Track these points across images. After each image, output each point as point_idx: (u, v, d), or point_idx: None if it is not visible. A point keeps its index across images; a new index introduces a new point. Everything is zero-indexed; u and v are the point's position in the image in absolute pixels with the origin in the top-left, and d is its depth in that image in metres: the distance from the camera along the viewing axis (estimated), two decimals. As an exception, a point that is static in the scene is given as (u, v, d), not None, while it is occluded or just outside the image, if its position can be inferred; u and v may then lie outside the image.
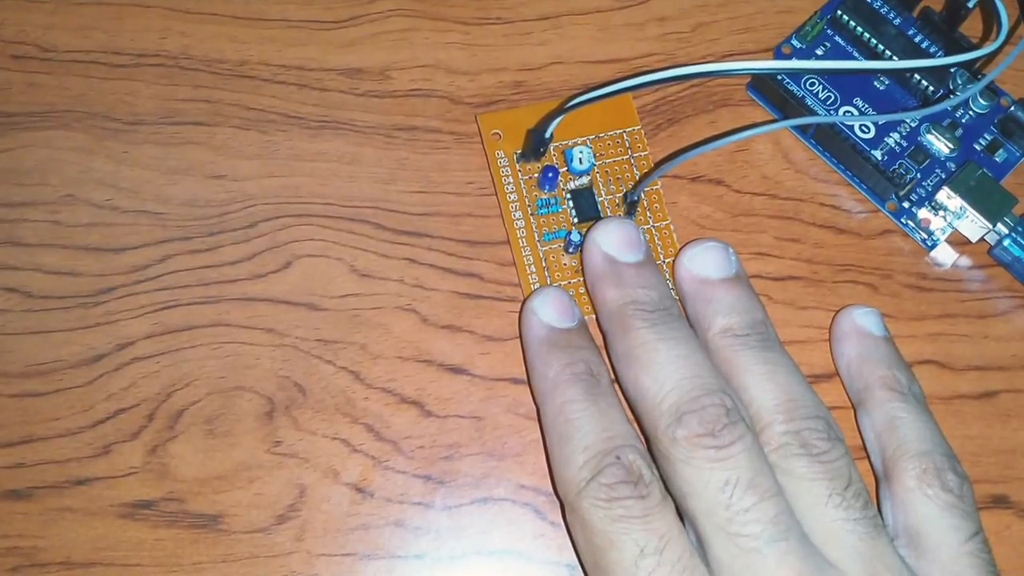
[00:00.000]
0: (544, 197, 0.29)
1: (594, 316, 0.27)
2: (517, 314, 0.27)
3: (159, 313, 0.27)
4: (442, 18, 0.31)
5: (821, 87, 0.30)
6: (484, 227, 0.29)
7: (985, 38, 0.31)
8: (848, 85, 0.30)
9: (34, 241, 0.27)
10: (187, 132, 0.28)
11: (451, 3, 0.31)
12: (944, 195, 0.28)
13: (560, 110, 0.28)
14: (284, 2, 0.30)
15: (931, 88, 0.29)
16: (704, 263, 0.27)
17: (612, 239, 0.27)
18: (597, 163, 0.29)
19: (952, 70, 0.29)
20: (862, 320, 0.27)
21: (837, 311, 0.28)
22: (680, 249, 0.27)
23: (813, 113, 0.29)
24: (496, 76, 0.30)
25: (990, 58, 0.29)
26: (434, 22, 0.31)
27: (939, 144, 0.29)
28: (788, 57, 0.30)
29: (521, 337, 0.27)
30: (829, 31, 0.30)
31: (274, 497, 0.25)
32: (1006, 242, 0.28)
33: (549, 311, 0.26)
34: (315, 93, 0.29)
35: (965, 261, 0.29)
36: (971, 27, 0.30)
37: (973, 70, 0.29)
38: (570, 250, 0.28)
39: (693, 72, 0.25)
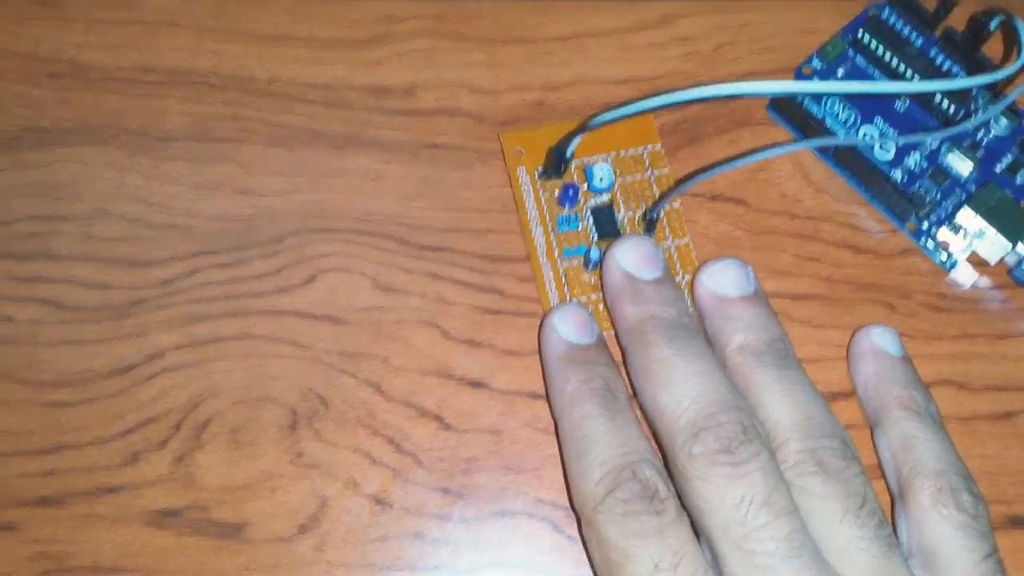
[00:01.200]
0: (565, 214, 0.29)
1: (613, 332, 0.27)
2: (537, 329, 0.28)
3: (187, 325, 0.27)
4: (466, 38, 0.31)
5: (841, 107, 0.30)
6: (505, 243, 0.29)
7: (1007, 58, 0.31)
8: (868, 105, 0.30)
9: (67, 254, 0.28)
10: (216, 148, 0.29)
11: (475, 24, 0.32)
12: (964, 216, 0.28)
13: (581, 129, 0.28)
14: (311, 22, 0.31)
15: (952, 108, 0.29)
16: (723, 281, 0.27)
17: (631, 256, 0.27)
18: (617, 181, 0.29)
19: (974, 91, 0.29)
20: (880, 339, 0.27)
21: (855, 330, 0.28)
22: (699, 267, 0.28)
23: (833, 134, 0.29)
24: (519, 95, 0.31)
25: (1011, 79, 0.29)
26: (458, 42, 0.31)
27: (960, 165, 0.29)
28: (809, 78, 0.30)
29: (540, 352, 0.27)
30: (850, 51, 0.30)
31: (296, 507, 0.26)
32: (1026, 263, 0.28)
33: (568, 327, 0.27)
34: (341, 111, 0.30)
35: (985, 282, 0.29)
36: (993, 47, 0.31)
37: (995, 90, 0.29)
38: (590, 267, 0.28)
39: (714, 93, 0.25)
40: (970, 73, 0.30)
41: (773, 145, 0.29)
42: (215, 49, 0.30)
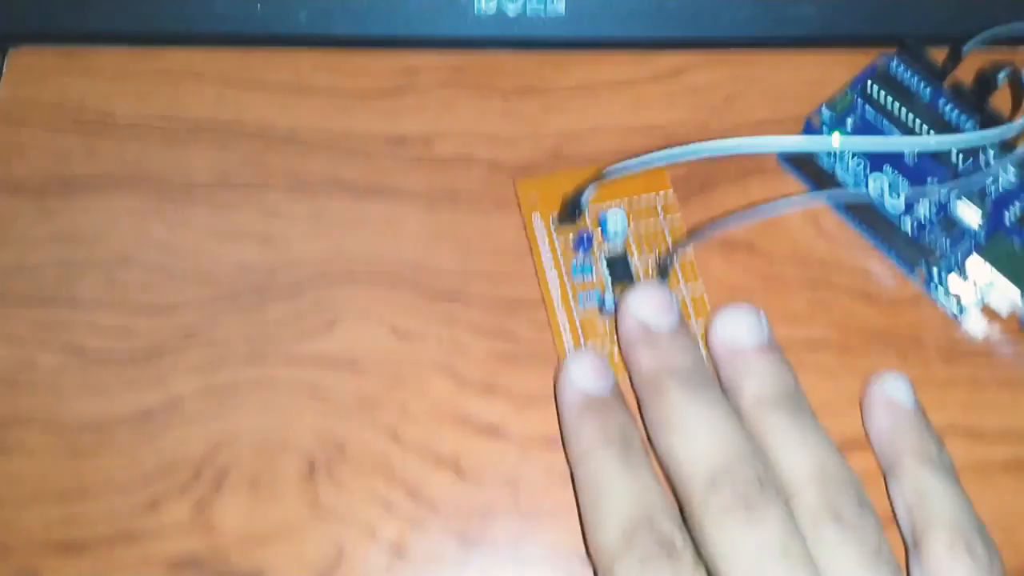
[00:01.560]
0: (579, 261, 0.29)
1: (628, 380, 0.28)
2: (552, 375, 0.28)
3: (208, 372, 0.28)
4: (484, 88, 0.32)
5: (851, 156, 0.30)
6: (521, 289, 0.29)
7: (1015, 109, 0.31)
8: (878, 154, 0.30)
9: (90, 300, 0.28)
10: (238, 196, 0.30)
11: (492, 74, 0.32)
12: (974, 265, 0.29)
13: (595, 179, 0.28)
14: (334, 72, 0.32)
15: (962, 159, 0.30)
16: (736, 329, 0.27)
17: (645, 304, 0.27)
18: (631, 227, 0.30)
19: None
20: (892, 389, 0.27)
21: (868, 379, 0.28)
22: (712, 314, 0.28)
23: (843, 183, 0.30)
24: (535, 143, 0.31)
25: (1022, 132, 0.29)
26: (476, 92, 0.32)
27: (969, 214, 0.29)
28: (818, 128, 0.31)
29: (556, 400, 0.27)
30: (859, 102, 0.31)
31: (314, 555, 0.26)
32: (1037, 312, 0.28)
33: (583, 375, 0.27)
34: (361, 159, 0.31)
35: (996, 330, 0.29)
36: (1001, 98, 0.31)
37: (1004, 142, 0.30)
38: (604, 313, 0.29)
39: (726, 148, 0.26)
40: (979, 124, 0.30)
41: (785, 198, 0.29)
42: (238, 99, 0.31)
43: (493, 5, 0.33)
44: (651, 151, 0.31)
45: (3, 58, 0.31)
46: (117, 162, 0.30)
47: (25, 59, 0.31)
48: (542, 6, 0.33)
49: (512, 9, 0.33)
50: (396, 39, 0.33)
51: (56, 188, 0.29)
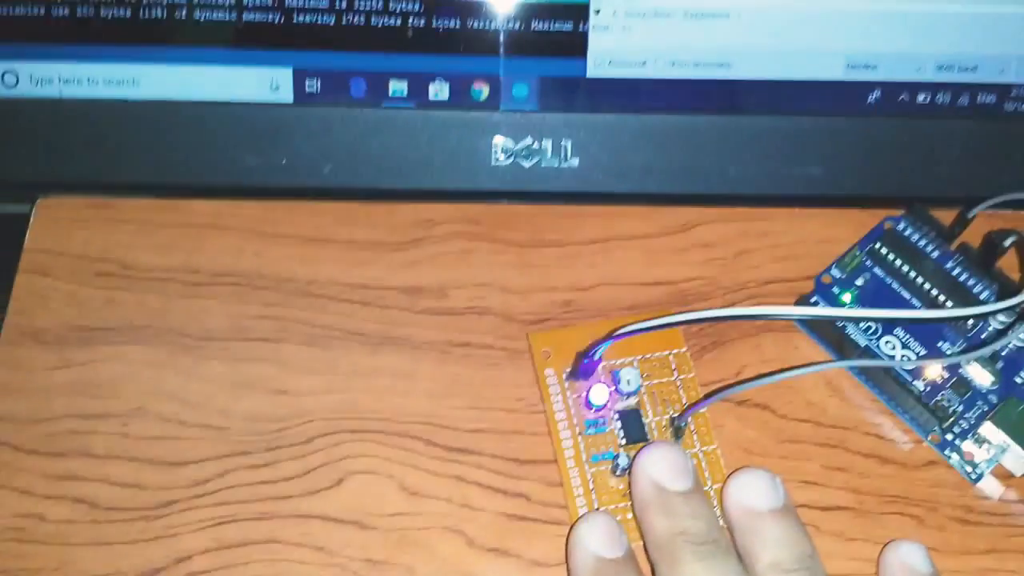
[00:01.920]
0: (592, 417, 0.29)
1: (641, 543, 0.27)
2: (564, 538, 0.28)
3: (216, 528, 0.27)
4: (498, 240, 0.33)
5: (861, 311, 0.31)
6: (532, 445, 0.29)
7: (1023, 271, 0.32)
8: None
9: (103, 453, 0.28)
10: (254, 348, 0.30)
11: (507, 226, 0.33)
12: (988, 429, 0.29)
13: (608, 337, 0.29)
14: (353, 225, 0.32)
15: (972, 322, 0.30)
16: (751, 493, 0.27)
17: (660, 466, 0.27)
18: (644, 384, 0.30)
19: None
20: (908, 556, 0.27)
21: (884, 544, 0.28)
22: (728, 477, 0.28)
23: (855, 343, 0.30)
24: (547, 295, 0.32)
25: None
26: (491, 244, 0.33)
27: (980, 377, 0.29)
28: (829, 287, 0.31)
29: (567, 564, 0.27)
30: (868, 262, 0.31)
31: None
32: (1053, 480, 0.28)
33: (596, 539, 0.27)
34: (376, 310, 0.31)
35: (1012, 494, 0.29)
36: (1008, 261, 0.32)
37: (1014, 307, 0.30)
38: (617, 472, 0.29)
39: (740, 315, 0.26)
40: (986, 287, 0.31)
41: (800, 367, 0.29)
42: (258, 251, 0.32)
43: (509, 159, 0.34)
44: (662, 306, 0.32)
45: (31, 207, 0.32)
46: (136, 313, 0.30)
47: (52, 209, 0.32)
48: (556, 160, 0.34)
49: (527, 163, 0.34)
50: (415, 191, 0.34)
51: (76, 338, 0.30)
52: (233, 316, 0.31)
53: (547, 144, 0.34)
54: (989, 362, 0.30)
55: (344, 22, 0.32)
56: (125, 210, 0.32)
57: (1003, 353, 0.30)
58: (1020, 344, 0.30)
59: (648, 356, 0.30)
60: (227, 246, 0.32)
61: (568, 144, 0.34)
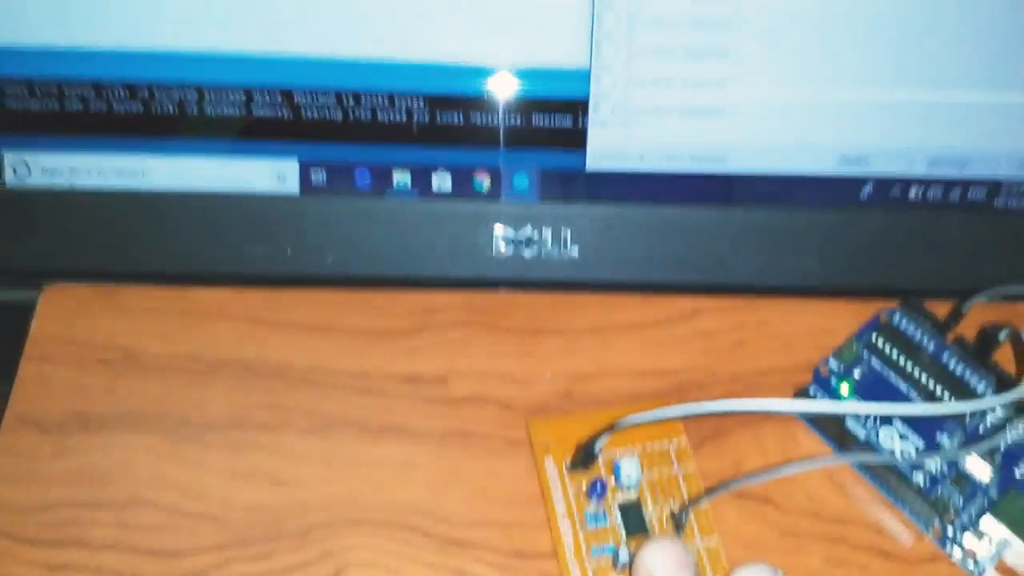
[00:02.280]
0: (592, 509, 0.29)
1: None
2: (564, 634, 0.27)
3: (212, 622, 0.27)
4: (499, 328, 0.33)
5: (861, 404, 0.31)
6: (532, 538, 0.29)
7: (1019, 364, 0.32)
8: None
9: (100, 543, 0.28)
10: (254, 437, 0.30)
11: (508, 314, 0.33)
12: (988, 523, 0.29)
13: (609, 429, 0.29)
14: (356, 313, 0.33)
15: (969, 416, 0.30)
16: (753, 589, 0.27)
17: (661, 562, 0.27)
18: (644, 475, 0.30)
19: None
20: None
21: (888, 642, 0.27)
22: (730, 572, 0.27)
23: (854, 434, 0.30)
24: (547, 384, 0.32)
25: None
26: (491, 332, 0.33)
27: (980, 471, 0.29)
28: (827, 378, 0.31)
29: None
30: (865, 354, 0.32)
31: None
32: (1056, 576, 0.28)
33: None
34: (376, 399, 0.31)
35: (1016, 590, 0.29)
36: (1003, 353, 0.32)
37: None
38: (618, 567, 0.28)
39: (738, 408, 0.26)
40: (983, 379, 0.31)
41: (802, 461, 0.29)
42: (261, 338, 0.32)
43: (510, 248, 0.34)
44: (662, 395, 0.32)
45: (38, 295, 0.33)
46: (138, 401, 0.31)
47: (58, 296, 0.33)
48: (556, 250, 0.34)
49: (528, 252, 0.34)
50: (416, 279, 0.34)
51: (77, 426, 0.30)
52: (234, 404, 0.31)
53: (547, 234, 0.34)
54: (988, 456, 0.30)
55: (351, 117, 0.33)
56: (131, 298, 0.33)
57: (1002, 447, 0.30)
58: (1018, 438, 0.30)
59: (648, 447, 0.30)
60: (230, 334, 0.32)
61: (568, 234, 0.34)
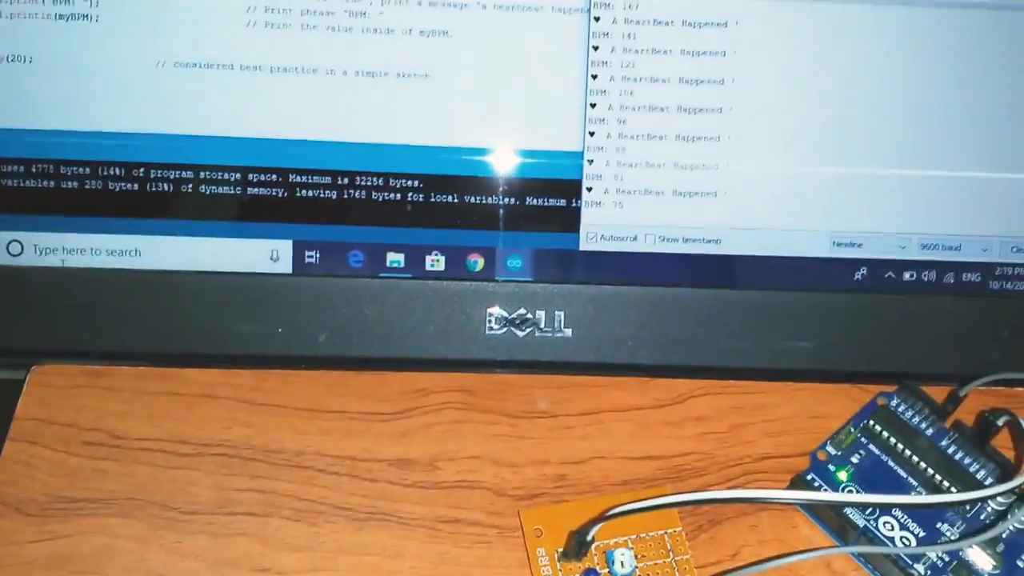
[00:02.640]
0: (585, 601, 0.29)
1: None
2: None
3: None
4: (491, 411, 0.33)
5: (860, 496, 0.30)
6: (524, 631, 0.28)
7: (1017, 451, 0.31)
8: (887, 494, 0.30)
9: (77, 635, 0.27)
10: (239, 523, 0.29)
11: (500, 396, 0.33)
12: (993, 618, 0.28)
13: (602, 516, 0.28)
14: (344, 394, 0.33)
15: (970, 504, 0.29)
16: None
17: (654, 656, 0.26)
18: (639, 565, 0.29)
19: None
20: None
21: None
22: (724, 669, 0.27)
23: (852, 522, 0.30)
24: (540, 469, 0.31)
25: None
26: (483, 414, 0.33)
27: (982, 561, 0.29)
28: (824, 464, 0.31)
29: None
30: (863, 439, 0.31)
31: None
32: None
33: None
34: (365, 483, 0.31)
35: None
36: (1002, 438, 0.31)
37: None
38: (611, 662, 0.27)
39: (734, 497, 0.26)
40: (983, 466, 0.30)
41: (801, 552, 0.29)
42: (249, 421, 0.32)
43: (503, 328, 0.34)
44: (657, 481, 0.31)
45: (25, 374, 0.32)
46: (123, 484, 0.30)
47: (46, 376, 0.32)
48: (550, 330, 0.34)
49: (521, 332, 0.34)
50: (409, 360, 0.34)
51: (59, 510, 0.29)
52: (220, 488, 0.30)
53: (540, 314, 0.34)
54: (990, 545, 0.29)
55: (345, 196, 0.33)
56: (119, 378, 0.32)
57: (1004, 536, 0.29)
58: (1020, 527, 0.29)
59: (642, 536, 0.30)
60: (218, 416, 0.32)
61: (561, 315, 0.34)
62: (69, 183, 0.33)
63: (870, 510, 0.30)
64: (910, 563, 0.29)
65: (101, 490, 0.30)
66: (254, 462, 0.31)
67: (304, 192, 0.33)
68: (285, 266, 0.34)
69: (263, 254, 0.34)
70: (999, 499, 0.29)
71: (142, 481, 0.30)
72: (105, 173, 0.33)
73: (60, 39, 0.32)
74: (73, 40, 0.32)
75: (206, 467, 0.30)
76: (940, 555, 0.29)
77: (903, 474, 0.31)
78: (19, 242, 0.33)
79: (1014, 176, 0.34)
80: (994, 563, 0.29)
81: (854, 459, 0.31)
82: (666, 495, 0.27)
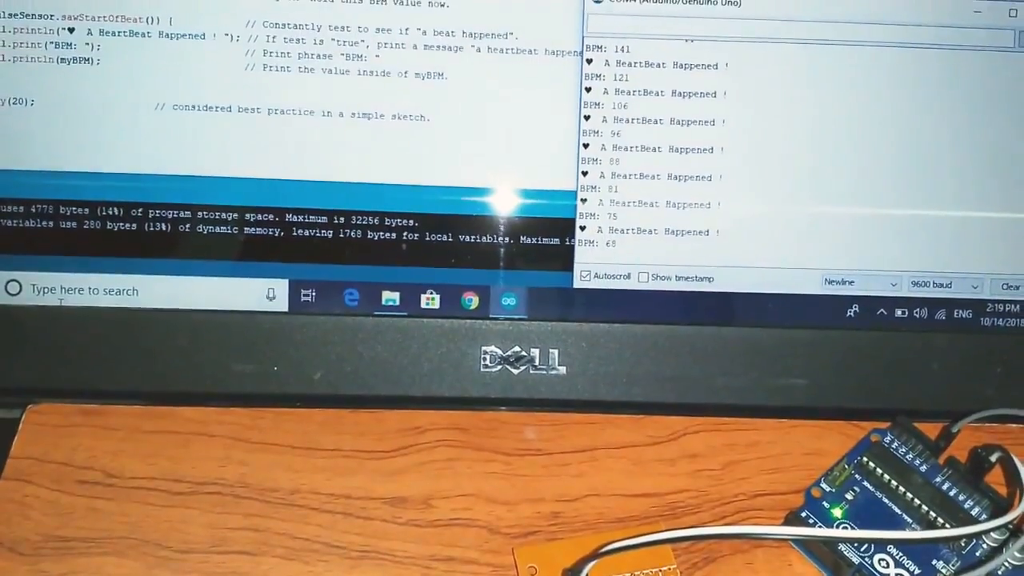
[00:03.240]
0: (579, 642, 0.28)
1: None
2: None
3: None
4: (485, 448, 0.33)
5: (855, 532, 0.30)
6: (518, 672, 0.28)
7: (1009, 486, 0.31)
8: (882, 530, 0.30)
9: (67, 676, 0.27)
10: (233, 562, 0.29)
11: (494, 434, 0.33)
12: (990, 656, 0.28)
13: (595, 554, 0.28)
14: (340, 433, 0.33)
15: (964, 540, 0.29)
16: None
17: None
18: (633, 605, 0.29)
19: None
20: None
21: None
22: None
23: (848, 560, 0.29)
24: (534, 506, 0.31)
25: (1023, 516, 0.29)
26: (477, 452, 0.33)
27: (979, 599, 0.29)
28: (819, 500, 0.31)
29: None
30: (857, 476, 0.31)
31: None
32: None
33: None
34: (358, 522, 0.31)
35: None
36: (995, 475, 0.31)
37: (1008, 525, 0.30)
38: None
39: (729, 533, 0.26)
40: (977, 502, 0.30)
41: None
42: (243, 459, 0.32)
43: (497, 366, 0.34)
44: (651, 519, 0.31)
45: (21, 412, 0.32)
46: (117, 523, 0.30)
47: (42, 415, 0.33)
48: (544, 368, 0.34)
49: (515, 370, 0.34)
50: (403, 398, 0.34)
51: (52, 549, 0.29)
52: (214, 527, 0.30)
53: (535, 352, 0.34)
54: (985, 583, 0.29)
55: (341, 235, 0.34)
56: (114, 417, 0.32)
57: (999, 572, 0.29)
58: (1015, 563, 0.29)
59: (637, 574, 0.30)
60: (212, 454, 0.32)
61: (555, 352, 0.34)
62: (68, 223, 0.33)
63: (865, 547, 0.30)
64: (906, 601, 0.29)
65: (95, 529, 0.30)
66: (248, 500, 0.31)
67: (300, 232, 0.34)
68: (281, 305, 0.34)
69: (259, 293, 0.34)
70: (993, 535, 0.29)
71: (136, 520, 0.30)
72: (104, 213, 0.33)
73: (61, 82, 0.33)
74: (73, 83, 0.33)
75: (200, 506, 0.30)
76: (936, 593, 0.29)
77: (897, 510, 0.31)
78: (18, 281, 0.33)
79: (1003, 215, 0.34)
80: (990, 601, 0.29)
81: (848, 496, 0.31)
82: (660, 531, 0.27)
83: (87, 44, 0.33)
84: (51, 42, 0.33)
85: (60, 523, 0.30)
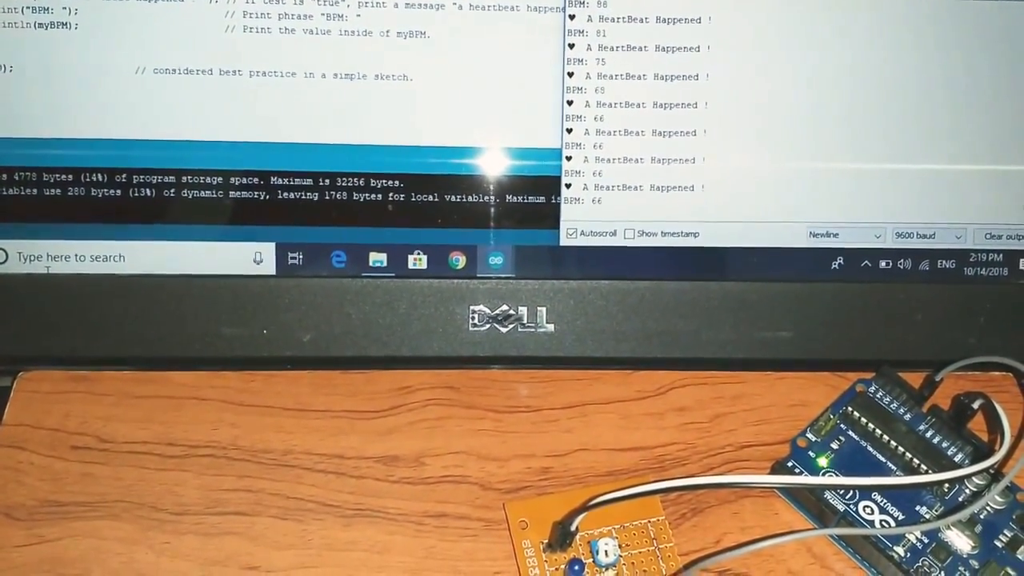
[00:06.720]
0: (570, 590, 0.29)
1: None
2: None
3: None
4: (475, 406, 0.33)
5: (839, 479, 0.31)
6: (511, 620, 0.29)
7: (991, 432, 0.32)
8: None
9: (67, 639, 0.28)
10: (228, 522, 0.30)
11: (484, 392, 0.33)
12: (972, 597, 0.28)
13: (585, 506, 0.29)
14: (329, 393, 0.33)
15: (947, 485, 0.30)
16: (733, 671, 0.26)
17: (639, 643, 0.27)
18: (623, 554, 0.30)
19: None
20: None
21: None
22: (708, 653, 0.27)
23: (833, 508, 0.30)
24: (524, 462, 0.32)
25: (1004, 461, 0.30)
26: (468, 410, 0.33)
27: (960, 542, 0.29)
28: (804, 450, 0.31)
29: None
30: (842, 425, 0.32)
31: None
32: (1042, 651, 0.27)
33: None
34: (351, 481, 0.31)
35: (1003, 666, 0.28)
36: (978, 422, 0.32)
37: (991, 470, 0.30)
38: (597, 649, 0.28)
39: (716, 483, 0.26)
40: (959, 448, 0.31)
41: (781, 534, 0.29)
42: (236, 421, 0.32)
43: (485, 325, 0.34)
44: (640, 472, 0.32)
45: (12, 381, 0.32)
46: (111, 487, 0.30)
47: (34, 383, 0.33)
48: (532, 326, 0.34)
49: (503, 328, 0.34)
50: (393, 358, 0.34)
51: (48, 514, 0.30)
52: (208, 489, 0.30)
53: (523, 310, 0.35)
54: (968, 526, 0.29)
55: (327, 197, 0.34)
56: (105, 383, 0.33)
57: (981, 516, 0.30)
58: (996, 507, 0.30)
59: (626, 525, 0.30)
60: (205, 417, 0.32)
61: (543, 310, 0.35)
62: (52, 190, 0.33)
63: (850, 494, 0.30)
64: (890, 545, 0.29)
65: (89, 493, 0.30)
66: (241, 462, 0.31)
67: (286, 194, 0.34)
68: (268, 268, 0.34)
69: (246, 257, 0.34)
70: (975, 480, 0.30)
71: (130, 484, 0.30)
72: (87, 180, 0.33)
73: (39, 48, 0.32)
74: (52, 48, 0.32)
75: (194, 468, 0.31)
76: (919, 536, 0.29)
77: (882, 459, 0.31)
78: (4, 250, 0.33)
79: (985, 166, 0.34)
80: (972, 543, 0.29)
81: (834, 445, 0.31)
82: (648, 483, 0.28)
83: (65, 9, 0.32)
84: (28, 7, 0.32)
85: (55, 488, 0.30)
